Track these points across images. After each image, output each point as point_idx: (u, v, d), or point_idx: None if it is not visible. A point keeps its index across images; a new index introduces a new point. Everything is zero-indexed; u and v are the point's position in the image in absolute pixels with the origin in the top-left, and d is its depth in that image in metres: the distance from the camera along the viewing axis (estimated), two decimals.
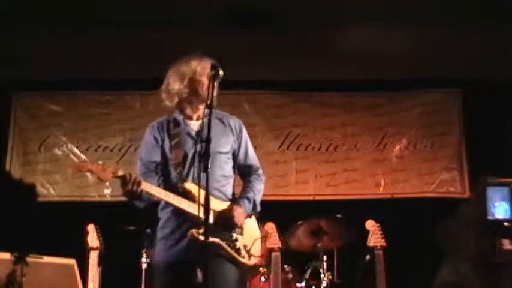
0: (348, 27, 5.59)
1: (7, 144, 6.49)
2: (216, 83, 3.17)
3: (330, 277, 4.86)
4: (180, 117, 3.40)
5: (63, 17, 5.37)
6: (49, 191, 6.43)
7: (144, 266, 5.04)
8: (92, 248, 4.77)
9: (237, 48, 5.45)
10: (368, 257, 4.82)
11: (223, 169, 3.39)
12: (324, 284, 4.83)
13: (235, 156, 3.50)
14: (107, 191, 6.39)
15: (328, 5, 5.28)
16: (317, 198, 6.47)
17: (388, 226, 4.94)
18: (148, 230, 5.05)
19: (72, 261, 4.40)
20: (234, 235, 3.32)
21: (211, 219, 3.18)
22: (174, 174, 3.32)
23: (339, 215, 5.01)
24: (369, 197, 6.46)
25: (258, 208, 3.51)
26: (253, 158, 3.57)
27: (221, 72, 3.16)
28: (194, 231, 3.13)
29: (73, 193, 6.45)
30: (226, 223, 3.28)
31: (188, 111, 3.41)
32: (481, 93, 6.39)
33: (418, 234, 5.96)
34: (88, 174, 6.37)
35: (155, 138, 3.42)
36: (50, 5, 5.16)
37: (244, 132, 3.55)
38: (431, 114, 6.67)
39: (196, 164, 3.28)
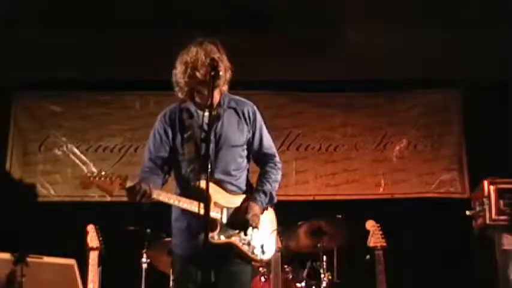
0: (348, 27, 5.60)
1: (7, 144, 6.48)
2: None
3: (330, 277, 4.86)
4: (192, 108, 3.26)
5: (63, 17, 5.37)
6: (49, 191, 6.42)
7: (144, 266, 5.04)
8: (92, 248, 4.77)
9: (237, 48, 5.44)
10: (368, 257, 4.83)
11: (237, 162, 3.28)
12: (324, 284, 4.82)
13: (249, 144, 3.37)
14: None
15: (328, 5, 5.28)
16: (317, 198, 6.47)
17: (388, 226, 4.94)
18: (148, 230, 5.06)
19: (72, 261, 4.39)
20: (249, 232, 3.21)
21: (224, 219, 3.16)
22: (186, 170, 3.20)
23: (339, 215, 5.00)
24: (369, 197, 6.45)
25: (275, 199, 3.38)
26: (268, 146, 3.43)
27: (221, 73, 3.13)
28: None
29: (73, 193, 6.43)
30: (240, 223, 3.18)
31: (198, 100, 3.26)
32: (481, 93, 6.39)
33: (418, 234, 5.98)
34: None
35: (165, 131, 3.27)
36: (50, 5, 5.16)
37: (259, 118, 3.42)
38: (431, 114, 6.66)
39: (209, 157, 3.12)
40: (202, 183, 2.95)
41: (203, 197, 2.91)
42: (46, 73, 6.31)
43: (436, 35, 5.71)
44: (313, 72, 6.36)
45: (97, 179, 2.99)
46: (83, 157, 6.47)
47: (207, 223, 2.84)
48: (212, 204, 3.11)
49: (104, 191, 3.00)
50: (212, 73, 3.09)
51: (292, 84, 6.61)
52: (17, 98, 6.59)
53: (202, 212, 2.88)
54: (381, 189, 6.50)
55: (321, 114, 6.67)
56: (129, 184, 3.00)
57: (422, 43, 5.83)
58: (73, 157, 6.49)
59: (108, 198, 6.31)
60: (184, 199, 3.11)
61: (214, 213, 3.13)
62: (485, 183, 5.06)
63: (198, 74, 3.17)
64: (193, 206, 3.09)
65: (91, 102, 6.62)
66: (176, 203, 3.12)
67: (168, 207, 3.37)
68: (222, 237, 3.14)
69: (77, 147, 6.50)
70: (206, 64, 3.14)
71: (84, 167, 6.47)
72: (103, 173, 3.02)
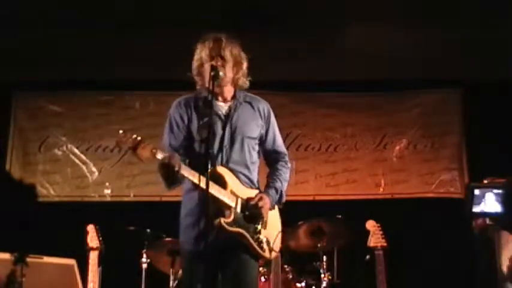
0: (348, 27, 5.60)
1: (7, 144, 6.48)
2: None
3: (330, 277, 4.86)
4: (209, 97, 3.22)
5: (63, 17, 5.36)
6: (49, 191, 6.43)
7: (144, 266, 5.04)
8: (92, 248, 4.78)
9: None
10: (368, 257, 4.83)
11: (251, 155, 3.29)
12: (324, 284, 4.82)
13: (262, 141, 3.39)
14: (107, 191, 6.43)
15: (328, 5, 5.28)
16: (317, 198, 6.47)
17: (388, 226, 4.94)
18: (148, 230, 5.06)
19: (72, 261, 4.40)
20: (258, 227, 3.21)
21: (238, 209, 3.16)
22: (201, 156, 3.15)
23: (339, 215, 5.00)
24: (369, 197, 6.46)
25: (284, 199, 3.39)
26: (280, 144, 3.47)
27: (221, 73, 3.15)
28: (222, 220, 3.06)
29: (73, 193, 6.44)
30: (252, 213, 3.18)
31: (215, 90, 3.23)
32: (481, 93, 6.39)
33: (418, 234, 5.98)
34: (88, 175, 6.46)
35: (181, 117, 3.28)
36: (50, 4, 5.16)
37: (272, 116, 3.43)
38: (431, 114, 6.66)
39: (225, 146, 3.19)
40: (218, 168, 3.11)
41: (217, 182, 3.06)
42: (46, 73, 6.32)
43: (436, 35, 5.71)
44: (313, 72, 6.36)
45: (130, 139, 2.97)
46: (83, 157, 6.47)
47: (207, 208, 2.86)
48: (229, 192, 3.14)
49: (135, 154, 2.97)
50: (212, 73, 3.12)
51: (292, 84, 6.61)
52: (17, 98, 6.60)
53: (219, 195, 3.04)
54: (381, 189, 6.51)
55: (321, 114, 6.68)
56: (159, 155, 2.98)
57: (422, 43, 5.82)
58: (73, 157, 6.50)
59: (108, 198, 6.41)
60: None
61: (230, 201, 3.13)
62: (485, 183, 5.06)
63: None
64: (215, 190, 3.07)
65: (91, 102, 6.63)
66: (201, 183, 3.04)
67: (172, 206, 3.38)
68: (235, 226, 3.13)
69: (77, 147, 6.51)
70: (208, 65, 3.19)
71: (84, 167, 6.47)
72: (134, 136, 3.00)
